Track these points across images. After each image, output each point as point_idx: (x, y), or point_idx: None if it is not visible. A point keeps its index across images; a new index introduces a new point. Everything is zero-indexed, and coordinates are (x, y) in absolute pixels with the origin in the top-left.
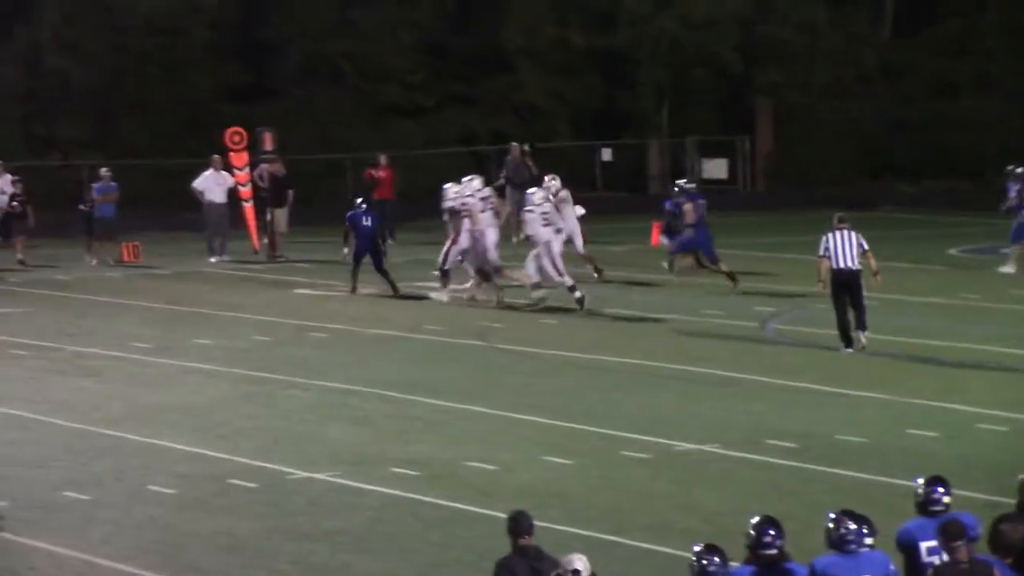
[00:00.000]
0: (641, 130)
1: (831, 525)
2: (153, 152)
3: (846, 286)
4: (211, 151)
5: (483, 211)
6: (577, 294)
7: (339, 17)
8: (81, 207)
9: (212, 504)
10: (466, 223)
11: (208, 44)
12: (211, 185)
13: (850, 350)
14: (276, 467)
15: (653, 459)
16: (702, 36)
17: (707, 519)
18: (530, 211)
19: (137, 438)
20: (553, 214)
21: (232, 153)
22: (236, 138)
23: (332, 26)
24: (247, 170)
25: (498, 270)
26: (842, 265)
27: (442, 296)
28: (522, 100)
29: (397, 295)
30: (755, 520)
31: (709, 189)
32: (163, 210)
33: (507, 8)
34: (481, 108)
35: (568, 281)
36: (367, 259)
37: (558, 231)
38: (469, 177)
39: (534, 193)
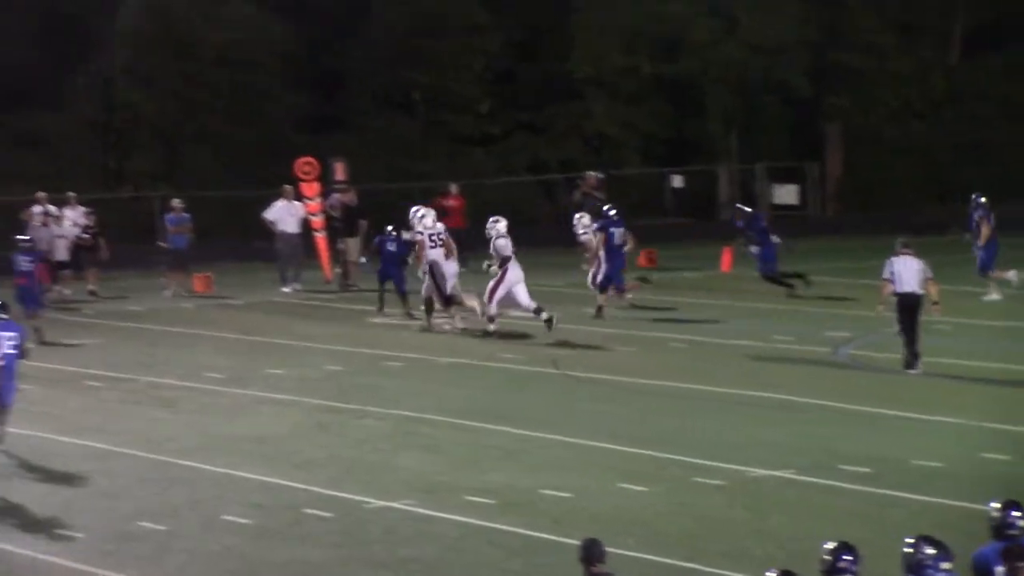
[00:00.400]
0: (711, 156)
1: (908, 550)
2: (225, 183)
3: (909, 309)
4: (283, 181)
5: (432, 247)
6: (544, 315)
7: (410, 47)
8: (160, 243)
9: (287, 534)
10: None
11: (279, 75)
12: (283, 215)
13: (914, 371)
14: (351, 496)
15: (727, 485)
16: (769, 62)
17: (782, 545)
18: (503, 238)
19: (211, 468)
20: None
21: (303, 183)
22: (307, 168)
23: (403, 56)
24: (318, 200)
25: (449, 300)
26: (906, 289)
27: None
28: (591, 128)
29: (411, 318)
30: (830, 545)
31: (779, 215)
32: (235, 241)
33: (575, 37)
34: (550, 136)
35: (532, 305)
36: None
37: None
38: (419, 212)
39: (500, 221)
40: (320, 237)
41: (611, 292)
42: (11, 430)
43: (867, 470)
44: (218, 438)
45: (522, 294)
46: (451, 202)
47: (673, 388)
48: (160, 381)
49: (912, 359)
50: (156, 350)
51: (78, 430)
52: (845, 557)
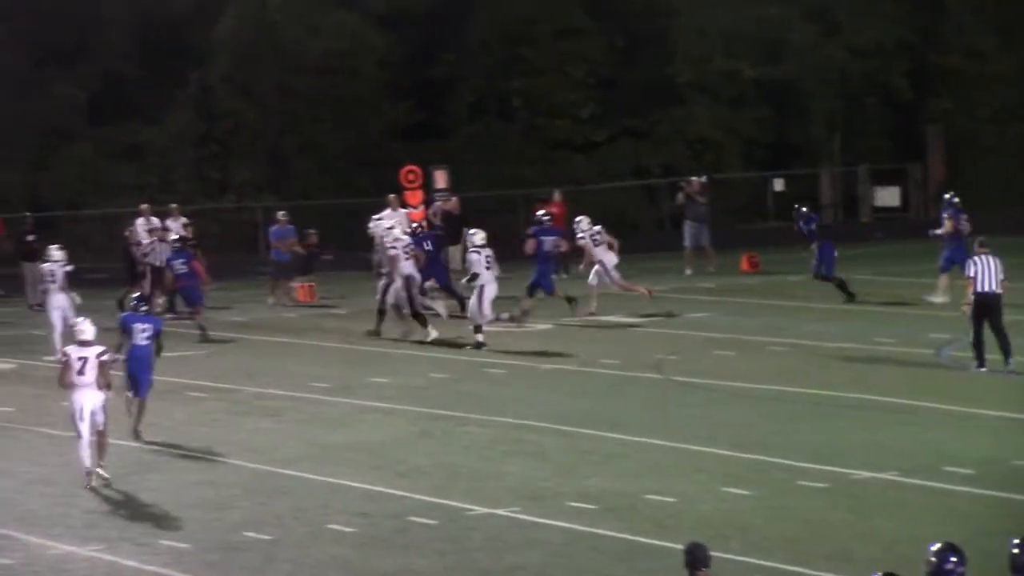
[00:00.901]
0: (813, 160)
1: (1016, 551)
2: (326, 192)
3: (987, 309)
4: (383, 190)
5: (406, 258)
6: (479, 337)
7: (510, 54)
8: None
9: (392, 542)
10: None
11: (379, 84)
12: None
13: (983, 369)
14: (455, 504)
15: (831, 488)
16: (870, 64)
17: (886, 547)
18: (475, 252)
19: (316, 477)
20: (493, 258)
21: (407, 192)
22: (411, 176)
23: (503, 63)
24: (422, 208)
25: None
26: (984, 289)
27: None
28: (693, 132)
29: (463, 314)
30: (936, 547)
31: (881, 217)
32: (339, 249)
33: (676, 41)
34: (652, 141)
35: (484, 320)
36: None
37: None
38: (385, 224)
39: (476, 234)
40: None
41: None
42: (117, 442)
43: (971, 471)
44: (322, 447)
45: (486, 305)
46: (553, 209)
47: (775, 391)
48: (265, 391)
49: (981, 359)
50: (260, 360)
51: (183, 441)
52: (951, 559)
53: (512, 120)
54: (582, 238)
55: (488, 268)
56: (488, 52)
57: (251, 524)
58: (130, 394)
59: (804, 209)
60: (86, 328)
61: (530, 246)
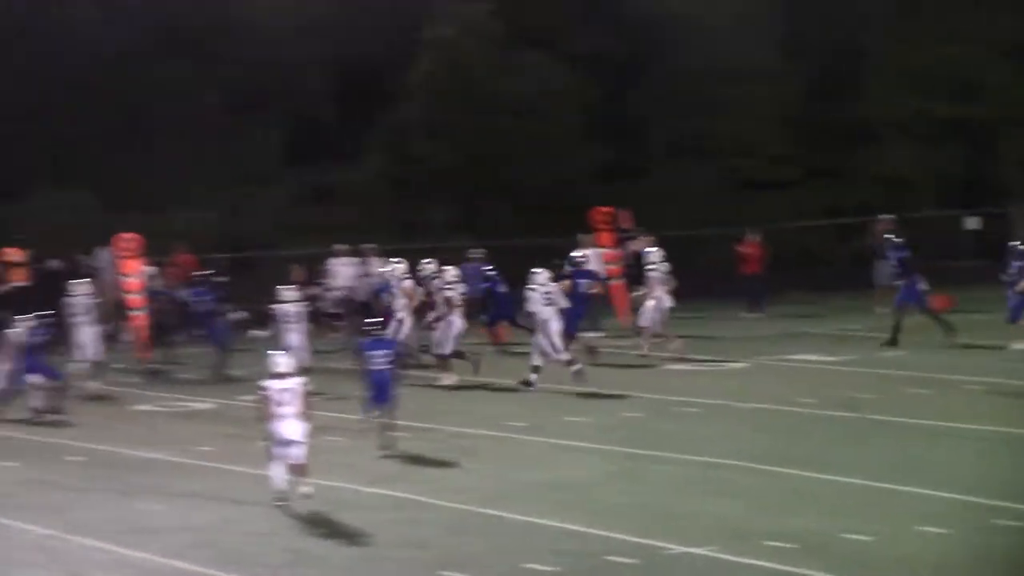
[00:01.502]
0: (1007, 198)
1: None
2: (521, 233)
3: None
4: (577, 230)
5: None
6: (575, 367)
7: (703, 94)
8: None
9: None
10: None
11: (573, 125)
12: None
13: None
14: (653, 542)
15: None
16: None
17: None
18: (532, 290)
19: (513, 516)
20: (556, 294)
21: (602, 232)
22: (604, 217)
23: (697, 103)
24: (615, 248)
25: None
26: None
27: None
28: (887, 171)
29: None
30: None
31: None
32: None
33: (868, 80)
34: (846, 180)
35: (564, 357)
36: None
37: (560, 310)
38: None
39: (538, 273)
40: (615, 285)
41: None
42: (315, 480)
43: None
44: (519, 485)
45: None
46: (748, 249)
47: (971, 430)
48: (462, 430)
49: None
50: (455, 399)
51: (380, 480)
52: None
53: (705, 160)
54: (653, 270)
55: (548, 304)
56: (682, 93)
57: (449, 563)
58: (370, 415)
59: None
60: (281, 361)
61: (566, 287)
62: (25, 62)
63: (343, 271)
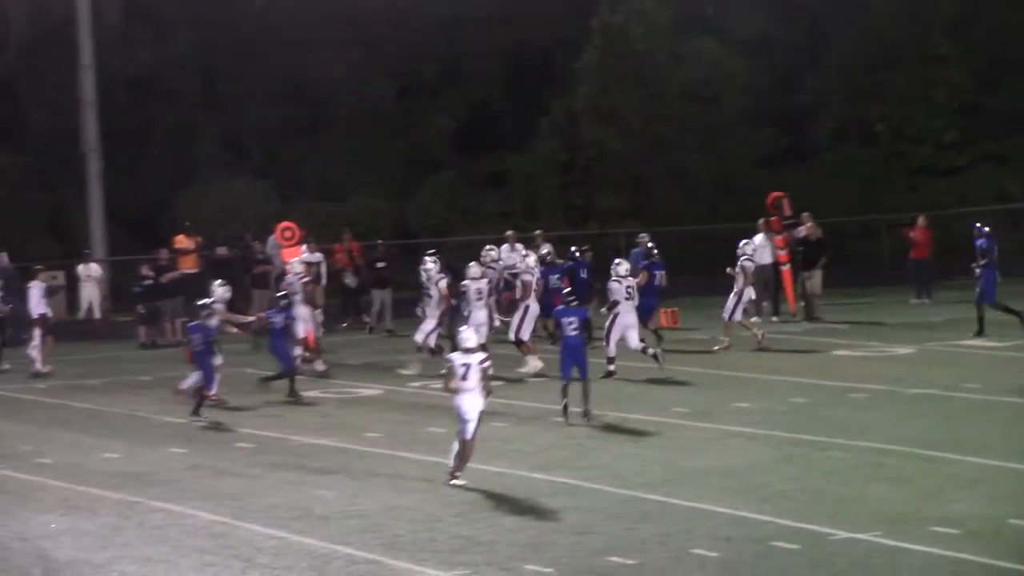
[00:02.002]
0: None
1: None
2: (689, 218)
3: None
4: (745, 216)
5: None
6: (651, 350)
7: (872, 80)
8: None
9: (755, 566)
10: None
11: (742, 110)
12: (761, 249)
13: None
14: (817, 528)
15: None
16: None
17: None
18: (616, 282)
19: (679, 502)
20: (635, 288)
21: (773, 218)
22: (773, 203)
23: (865, 89)
24: (785, 234)
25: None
26: None
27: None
28: None
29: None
30: None
31: None
32: (700, 275)
33: None
34: (1014, 166)
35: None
36: None
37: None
38: (525, 253)
39: (619, 264)
40: (785, 270)
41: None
42: (480, 467)
43: None
44: (685, 471)
45: (616, 334)
46: (916, 234)
47: None
48: (627, 416)
49: None
50: (623, 385)
51: (547, 466)
52: None
53: (874, 146)
54: (750, 260)
55: (628, 298)
56: (850, 78)
57: (615, 549)
58: (564, 382)
59: (986, 228)
60: (469, 336)
61: (642, 278)
62: (199, 50)
63: (513, 256)
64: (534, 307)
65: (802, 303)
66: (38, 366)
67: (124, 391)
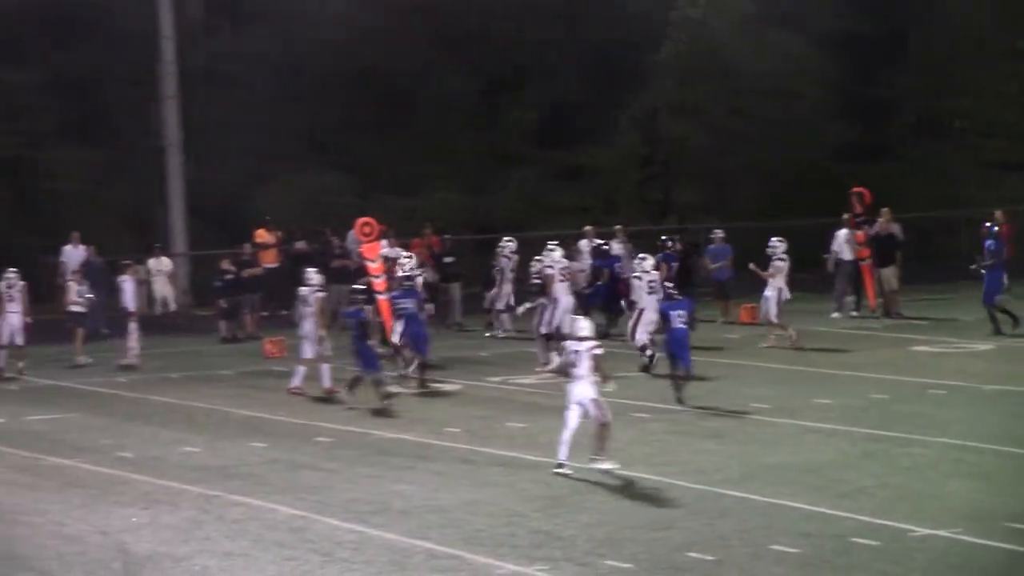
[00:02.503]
0: None
1: None
2: (768, 214)
3: None
4: (823, 211)
5: (561, 280)
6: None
7: (952, 75)
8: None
9: (835, 563)
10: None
11: (822, 105)
12: (843, 244)
13: None
14: (897, 524)
15: None
16: None
17: None
18: (638, 277)
19: (759, 498)
20: (658, 283)
21: (854, 214)
22: (853, 198)
23: (945, 84)
24: (863, 229)
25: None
26: None
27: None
28: None
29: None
30: None
31: None
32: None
33: None
34: None
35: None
36: None
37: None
38: (551, 247)
39: (644, 259)
40: (865, 266)
41: None
42: (559, 462)
43: None
44: (764, 467)
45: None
46: (998, 228)
47: None
48: (706, 412)
49: None
50: (701, 381)
51: (627, 461)
52: None
53: (953, 140)
54: (783, 259)
55: (651, 293)
56: (930, 73)
57: (694, 544)
58: (675, 371)
59: (996, 228)
60: (583, 324)
61: (662, 271)
62: (278, 42)
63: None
64: (564, 301)
65: (881, 299)
66: (133, 357)
67: (204, 385)
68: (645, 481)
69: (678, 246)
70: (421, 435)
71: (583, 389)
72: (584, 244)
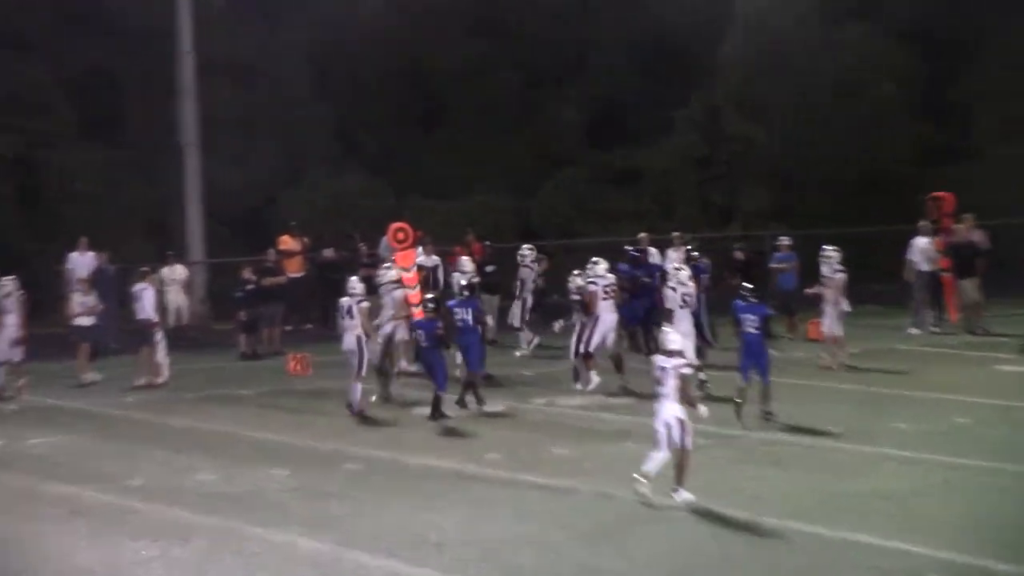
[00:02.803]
0: None
1: None
2: (837, 220)
3: None
4: (899, 217)
5: (605, 297)
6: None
7: None
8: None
9: None
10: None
11: (895, 104)
12: (920, 254)
13: None
14: (979, 561)
15: None
16: None
17: None
18: (673, 289)
19: (827, 531)
20: (693, 296)
21: (932, 220)
22: (932, 204)
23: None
24: (940, 238)
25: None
26: None
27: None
28: None
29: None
30: None
31: None
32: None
33: None
34: None
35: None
36: None
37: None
38: (594, 260)
39: (680, 270)
40: (946, 277)
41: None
42: (608, 490)
43: None
44: (835, 496)
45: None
46: None
47: None
48: (771, 437)
49: None
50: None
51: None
52: None
53: None
54: (840, 271)
55: (683, 306)
56: (1015, 69)
57: None
58: (743, 383)
59: None
60: (673, 338)
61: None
62: (309, 35)
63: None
64: (606, 318)
65: (963, 313)
66: (163, 372)
67: (221, 406)
68: (704, 512)
69: (739, 255)
70: (459, 461)
71: (670, 409)
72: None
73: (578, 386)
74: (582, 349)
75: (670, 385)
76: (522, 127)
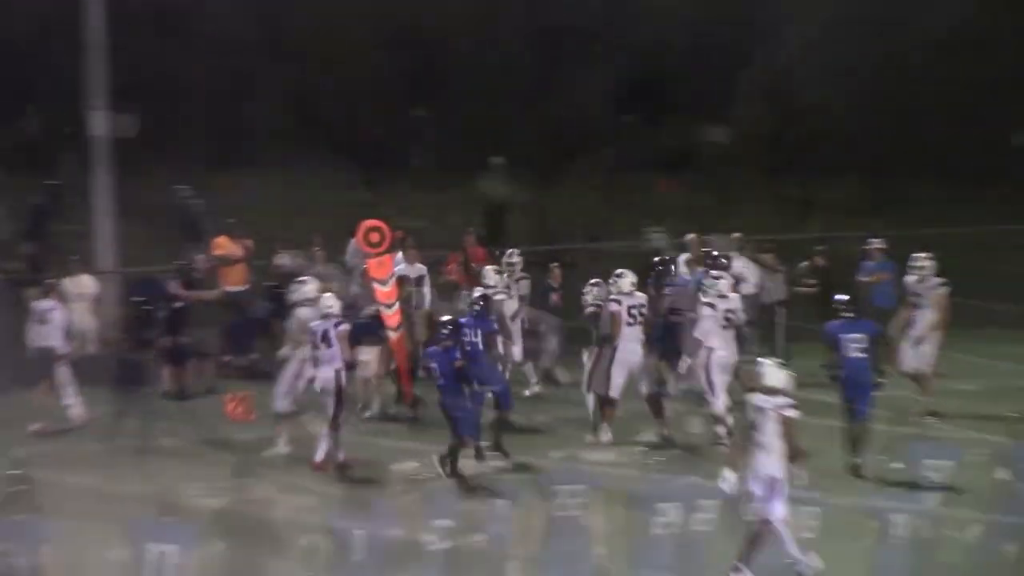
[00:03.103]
0: None
1: None
2: (947, 217)
3: None
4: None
5: (630, 322)
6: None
7: None
8: None
9: None
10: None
11: (1015, 66)
12: None
13: None
14: None
15: None
16: None
17: None
18: (711, 305)
19: None
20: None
21: None
22: None
23: None
24: None
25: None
26: None
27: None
28: None
29: None
30: None
31: None
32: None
33: None
34: None
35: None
36: None
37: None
38: (618, 273)
39: (720, 280)
40: None
41: None
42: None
43: None
44: None
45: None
46: None
47: None
48: (867, 500)
49: None
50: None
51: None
52: None
53: None
54: (942, 284)
55: (726, 327)
56: None
57: None
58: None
59: None
60: (772, 371)
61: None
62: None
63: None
64: (629, 349)
65: None
66: (76, 414)
67: (138, 461)
68: None
69: (819, 261)
70: (456, 535)
71: (769, 464)
72: (681, 260)
73: (589, 437)
74: (599, 391)
75: (769, 432)
76: (536, 99)
